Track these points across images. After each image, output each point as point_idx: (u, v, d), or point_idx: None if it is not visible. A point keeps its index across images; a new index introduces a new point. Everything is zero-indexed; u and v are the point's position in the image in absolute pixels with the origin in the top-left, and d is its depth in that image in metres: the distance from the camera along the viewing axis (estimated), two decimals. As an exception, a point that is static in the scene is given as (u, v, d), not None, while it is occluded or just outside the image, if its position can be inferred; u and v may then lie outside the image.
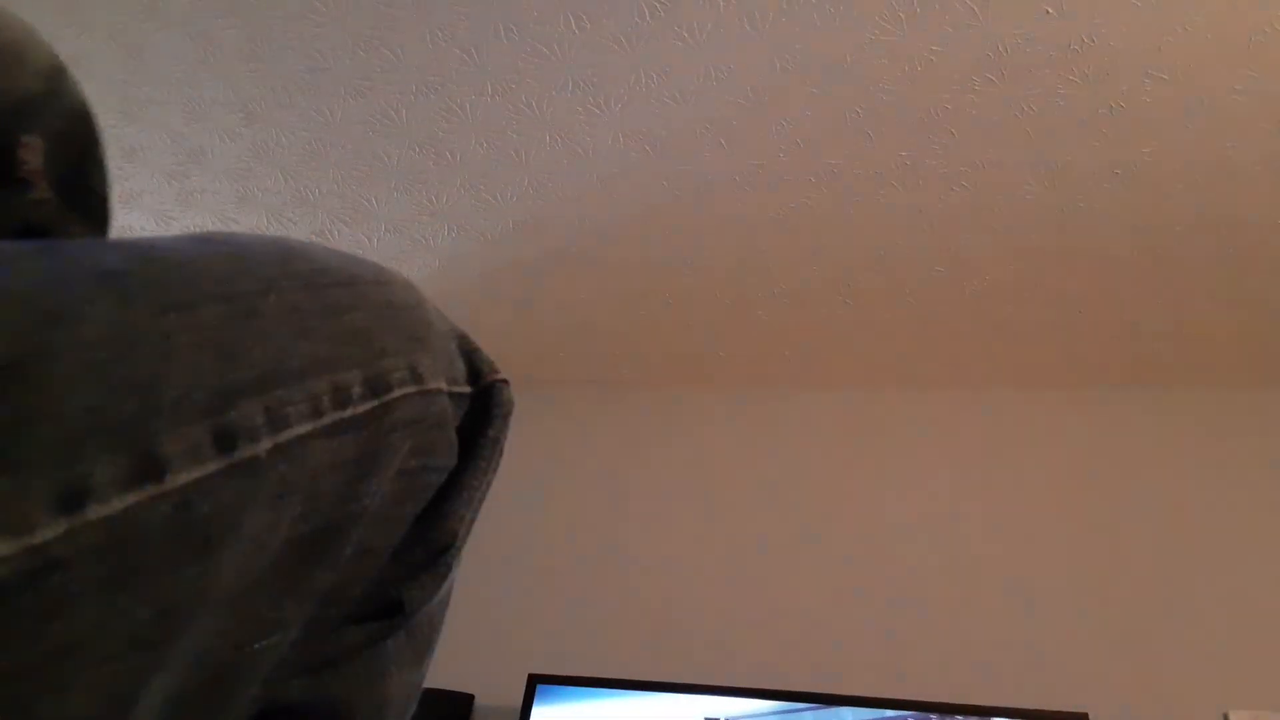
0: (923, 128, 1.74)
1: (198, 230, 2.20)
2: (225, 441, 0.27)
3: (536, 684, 2.19)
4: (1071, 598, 2.23)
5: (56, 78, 0.34)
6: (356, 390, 0.33)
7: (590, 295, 2.35)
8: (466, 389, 0.42)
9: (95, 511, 0.23)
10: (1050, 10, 1.50)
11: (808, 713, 2.06)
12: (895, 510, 2.42)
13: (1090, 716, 1.95)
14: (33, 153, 0.32)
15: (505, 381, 0.44)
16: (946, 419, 2.51)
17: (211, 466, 0.27)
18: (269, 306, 0.31)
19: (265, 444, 0.29)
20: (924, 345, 2.40)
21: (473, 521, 0.42)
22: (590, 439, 2.69)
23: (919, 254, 2.07)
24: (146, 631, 0.25)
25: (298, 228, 2.18)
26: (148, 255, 0.29)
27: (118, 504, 0.24)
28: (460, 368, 0.41)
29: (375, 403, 0.34)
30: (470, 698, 2.31)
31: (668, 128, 1.80)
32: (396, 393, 0.35)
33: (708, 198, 1.97)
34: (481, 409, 0.43)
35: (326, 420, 0.31)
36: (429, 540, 0.40)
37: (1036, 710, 1.99)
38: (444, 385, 0.39)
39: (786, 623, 2.32)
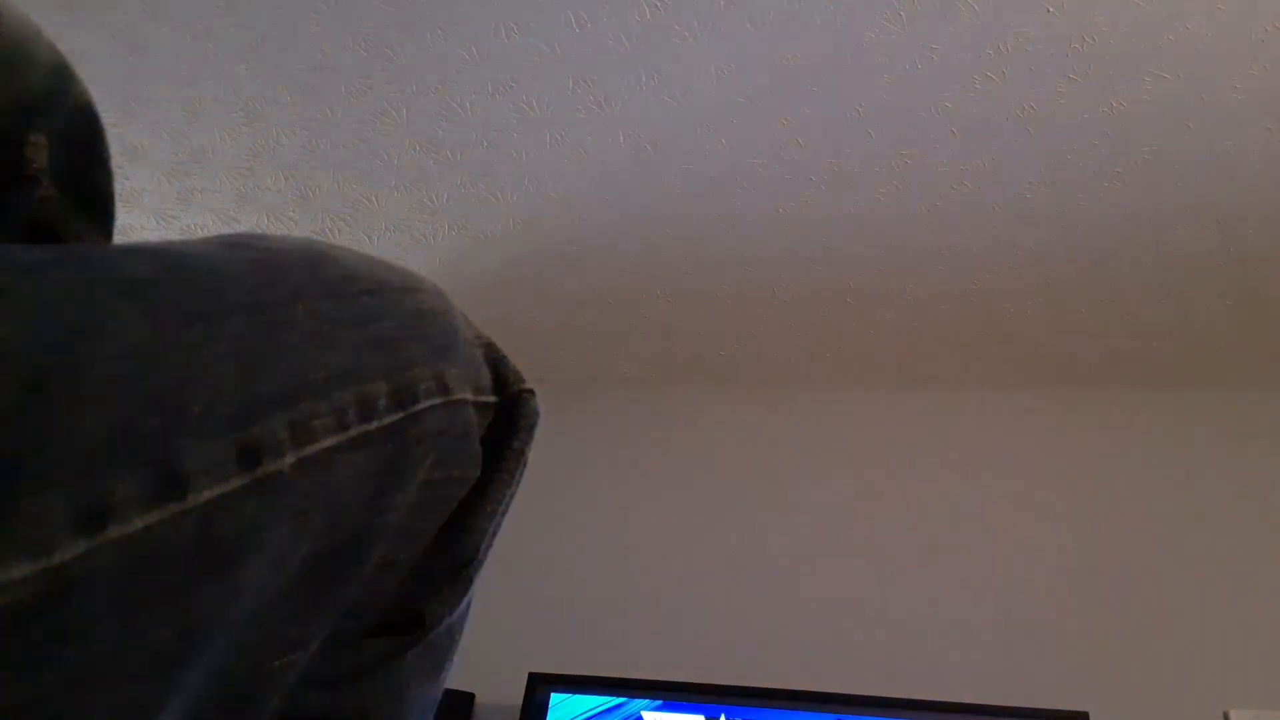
0: (923, 127, 1.74)
1: (202, 230, 2.21)
2: (249, 457, 0.27)
3: (536, 684, 2.19)
4: (1071, 597, 2.23)
5: (61, 76, 0.34)
6: (382, 402, 0.32)
7: (590, 294, 2.35)
8: (492, 399, 0.41)
9: (116, 531, 0.23)
10: (1050, 10, 1.50)
11: (807, 712, 2.06)
12: (895, 509, 2.42)
13: (1090, 716, 1.95)
14: (39, 151, 0.32)
15: (531, 392, 0.43)
16: (946, 418, 2.51)
17: (235, 483, 0.26)
18: (296, 316, 0.30)
19: (289, 459, 0.28)
20: (924, 345, 2.40)
21: (495, 535, 0.41)
22: (591, 438, 2.69)
23: (919, 254, 2.07)
24: (166, 652, 0.25)
25: (298, 226, 2.18)
26: (175, 263, 0.28)
27: (139, 523, 0.24)
28: (486, 376, 0.41)
29: (401, 414, 0.33)
30: (470, 697, 2.31)
31: (668, 128, 1.80)
32: (423, 404, 0.34)
33: (708, 197, 1.97)
34: (507, 419, 0.42)
35: (352, 433, 0.31)
36: (450, 553, 0.39)
37: (1036, 710, 1.99)
38: (470, 395, 0.38)
39: (786, 622, 2.32)
